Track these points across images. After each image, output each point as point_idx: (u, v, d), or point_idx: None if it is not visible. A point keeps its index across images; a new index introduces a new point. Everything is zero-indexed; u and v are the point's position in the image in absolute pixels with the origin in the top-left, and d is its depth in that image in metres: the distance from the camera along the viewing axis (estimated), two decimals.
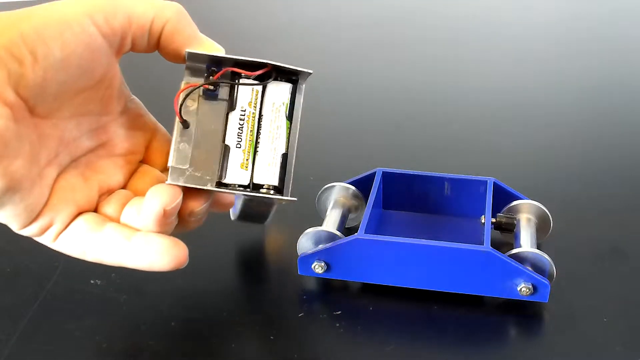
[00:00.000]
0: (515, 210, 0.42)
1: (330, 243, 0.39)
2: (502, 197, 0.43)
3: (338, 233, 0.40)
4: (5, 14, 0.29)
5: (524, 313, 0.38)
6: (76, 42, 0.30)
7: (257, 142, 0.34)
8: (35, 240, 0.45)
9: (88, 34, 0.30)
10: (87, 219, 0.33)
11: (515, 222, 0.41)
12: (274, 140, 0.35)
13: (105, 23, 0.30)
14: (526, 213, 0.42)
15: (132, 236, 0.33)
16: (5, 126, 0.28)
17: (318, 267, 0.39)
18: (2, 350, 0.36)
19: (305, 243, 0.41)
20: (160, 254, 0.32)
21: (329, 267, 0.40)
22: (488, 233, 0.38)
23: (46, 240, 0.34)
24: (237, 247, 0.44)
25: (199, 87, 0.34)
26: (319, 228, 0.40)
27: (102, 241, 0.33)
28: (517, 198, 0.42)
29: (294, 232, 0.41)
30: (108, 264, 0.33)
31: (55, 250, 0.44)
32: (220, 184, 0.34)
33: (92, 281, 0.41)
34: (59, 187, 0.33)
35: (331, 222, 0.42)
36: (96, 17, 0.30)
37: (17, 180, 0.30)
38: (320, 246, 0.39)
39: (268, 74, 0.34)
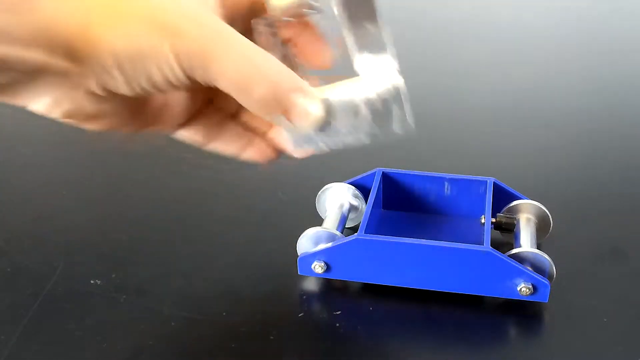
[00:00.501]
0: (515, 210, 0.42)
1: (330, 243, 0.39)
2: (502, 197, 0.43)
3: (338, 233, 0.40)
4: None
5: (524, 313, 0.38)
6: (162, 82, 0.31)
7: None
8: (35, 241, 0.45)
9: (174, 78, 0.31)
10: (207, 120, 0.36)
11: (515, 222, 0.41)
12: None
13: (192, 75, 0.31)
14: (526, 213, 0.42)
15: (251, 142, 0.37)
16: (101, 109, 0.32)
17: (318, 267, 0.39)
18: (2, 350, 0.36)
19: (305, 243, 0.41)
20: (269, 160, 0.37)
21: (328, 267, 0.40)
22: (488, 233, 0.38)
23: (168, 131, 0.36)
24: (236, 247, 0.44)
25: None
26: (319, 228, 0.40)
27: (224, 139, 0.37)
28: (517, 198, 0.42)
29: (294, 232, 0.41)
30: (221, 153, 0.37)
31: (55, 250, 0.44)
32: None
33: (92, 281, 0.41)
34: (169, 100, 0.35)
35: (331, 222, 0.42)
36: (168, 52, 0.30)
37: (118, 128, 0.34)
38: (320, 246, 0.39)
39: None
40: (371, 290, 0.40)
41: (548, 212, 0.42)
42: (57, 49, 0.29)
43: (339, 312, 0.39)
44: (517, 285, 0.37)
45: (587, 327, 0.37)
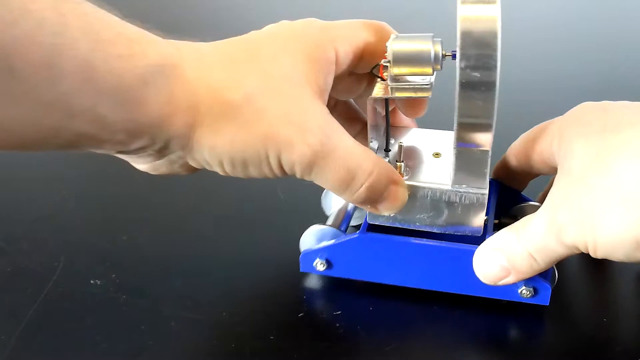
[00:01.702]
0: (521, 212, 0.42)
1: (332, 241, 0.39)
2: (509, 199, 0.42)
3: (340, 231, 0.40)
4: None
5: (525, 313, 0.38)
6: (258, 176, 0.33)
7: None
8: (35, 241, 0.45)
9: (271, 175, 0.33)
10: None
11: None
12: None
13: (279, 168, 0.33)
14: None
15: None
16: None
17: (320, 265, 0.40)
18: (2, 350, 0.36)
19: (308, 240, 0.41)
20: None
21: (330, 265, 0.40)
22: (490, 234, 0.38)
23: None
24: (237, 248, 0.44)
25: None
26: (321, 225, 0.40)
27: None
28: (524, 200, 0.42)
29: (295, 233, 0.41)
30: None
31: (55, 250, 0.44)
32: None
33: (92, 281, 0.41)
34: None
35: (335, 220, 0.42)
36: (272, 160, 0.32)
37: None
38: (323, 243, 0.40)
39: None
40: (371, 290, 0.40)
41: None
42: (159, 139, 0.30)
43: (339, 312, 0.39)
44: (517, 288, 0.37)
45: (587, 327, 0.37)
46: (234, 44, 0.33)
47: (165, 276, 0.42)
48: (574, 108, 0.36)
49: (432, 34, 0.35)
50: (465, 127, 0.33)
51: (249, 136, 0.31)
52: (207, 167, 0.33)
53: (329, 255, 0.39)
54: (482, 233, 0.37)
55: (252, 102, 0.31)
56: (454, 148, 0.35)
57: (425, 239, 0.37)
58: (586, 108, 0.36)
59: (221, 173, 0.33)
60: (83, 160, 0.57)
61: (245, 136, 0.31)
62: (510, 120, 0.60)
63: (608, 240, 0.30)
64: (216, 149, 0.31)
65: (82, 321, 0.38)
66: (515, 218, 0.41)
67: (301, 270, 0.40)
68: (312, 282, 0.41)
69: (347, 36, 0.35)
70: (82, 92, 0.26)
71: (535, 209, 0.41)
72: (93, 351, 0.36)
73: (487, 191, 0.36)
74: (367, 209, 0.37)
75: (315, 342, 0.37)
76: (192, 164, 0.33)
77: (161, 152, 0.32)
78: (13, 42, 0.24)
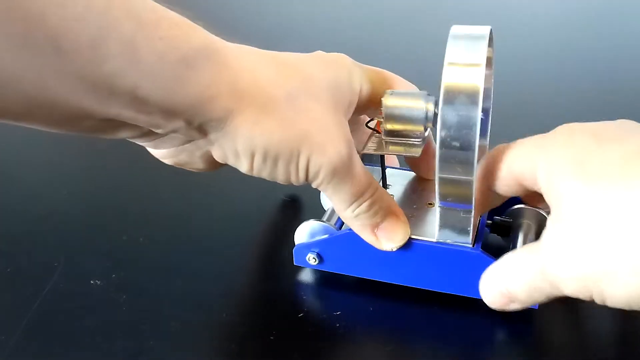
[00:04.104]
0: (516, 215, 0.42)
1: (324, 236, 0.39)
2: (507, 201, 0.42)
3: (333, 227, 0.40)
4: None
5: (524, 313, 0.38)
6: (281, 179, 0.34)
7: None
8: (35, 241, 0.45)
9: (295, 180, 0.34)
10: None
11: (510, 225, 0.41)
12: None
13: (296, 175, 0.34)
14: (527, 219, 0.42)
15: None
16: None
17: (311, 259, 0.40)
18: (2, 350, 0.36)
19: (302, 235, 0.41)
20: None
21: (321, 259, 0.40)
22: (482, 235, 0.38)
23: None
24: (236, 248, 0.44)
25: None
26: (314, 221, 0.40)
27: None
28: (520, 202, 0.42)
29: (298, 225, 0.41)
30: None
31: (55, 250, 0.44)
32: None
33: (92, 281, 0.41)
34: None
35: (330, 216, 0.42)
36: (302, 160, 0.33)
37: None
38: (317, 238, 0.40)
39: None
40: (371, 290, 0.40)
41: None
42: (195, 121, 0.30)
43: (339, 312, 0.39)
44: None
45: (587, 327, 0.37)
46: (280, 53, 0.35)
47: (165, 276, 0.42)
48: (558, 132, 0.33)
49: (426, 92, 0.36)
50: (446, 184, 0.33)
51: (288, 132, 0.32)
52: (231, 160, 0.33)
53: (320, 250, 0.40)
54: (472, 242, 0.37)
55: (293, 101, 0.32)
56: (437, 206, 0.35)
57: (412, 237, 0.37)
58: (575, 133, 0.32)
59: (244, 169, 0.33)
60: (83, 160, 0.57)
61: (284, 132, 0.32)
62: (511, 120, 0.60)
63: (619, 296, 0.29)
64: (253, 139, 0.31)
65: (82, 321, 0.38)
66: (509, 220, 0.41)
67: (295, 263, 0.41)
68: (313, 283, 0.41)
69: (370, 80, 0.38)
70: (125, 73, 0.27)
71: (531, 212, 0.41)
72: (93, 351, 0.36)
73: (471, 246, 0.36)
74: (371, 241, 0.37)
75: (315, 342, 0.37)
76: (216, 154, 0.33)
77: (191, 135, 0.31)
78: (62, 22, 0.24)
